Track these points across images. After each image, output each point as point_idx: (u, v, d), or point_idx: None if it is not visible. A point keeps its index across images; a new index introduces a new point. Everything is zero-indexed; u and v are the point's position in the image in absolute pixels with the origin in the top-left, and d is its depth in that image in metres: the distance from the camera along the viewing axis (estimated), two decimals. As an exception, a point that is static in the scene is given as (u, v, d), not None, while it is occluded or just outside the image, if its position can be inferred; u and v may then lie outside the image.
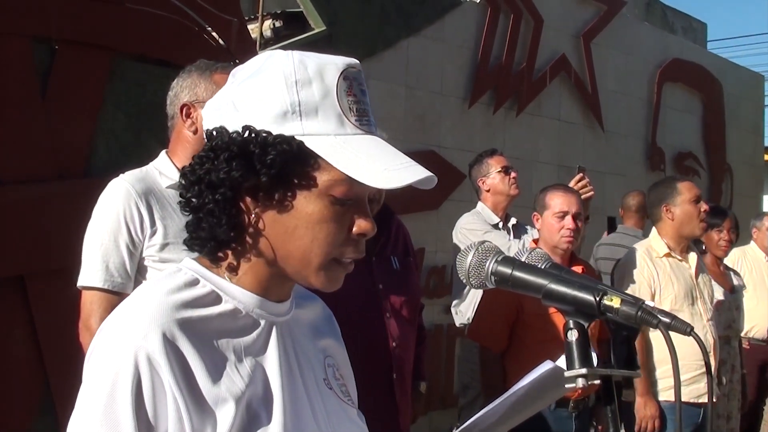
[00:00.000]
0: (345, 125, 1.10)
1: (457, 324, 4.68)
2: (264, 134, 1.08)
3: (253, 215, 1.12)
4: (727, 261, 5.34)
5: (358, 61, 1.15)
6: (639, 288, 3.92)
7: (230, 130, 1.10)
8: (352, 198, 1.12)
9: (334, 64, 1.12)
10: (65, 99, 4.02)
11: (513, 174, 4.64)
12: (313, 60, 1.12)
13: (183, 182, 1.13)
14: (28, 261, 3.83)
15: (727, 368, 4.67)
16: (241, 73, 1.15)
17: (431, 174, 1.10)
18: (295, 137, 1.09)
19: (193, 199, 1.12)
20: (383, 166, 1.09)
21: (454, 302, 4.65)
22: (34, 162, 3.90)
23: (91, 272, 2.32)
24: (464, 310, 4.58)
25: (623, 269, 4.10)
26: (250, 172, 1.09)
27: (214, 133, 1.12)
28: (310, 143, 1.09)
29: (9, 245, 3.77)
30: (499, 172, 4.62)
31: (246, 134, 1.09)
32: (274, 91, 1.10)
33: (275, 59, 1.13)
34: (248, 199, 1.12)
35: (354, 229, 1.13)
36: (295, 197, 1.11)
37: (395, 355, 2.86)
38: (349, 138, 1.10)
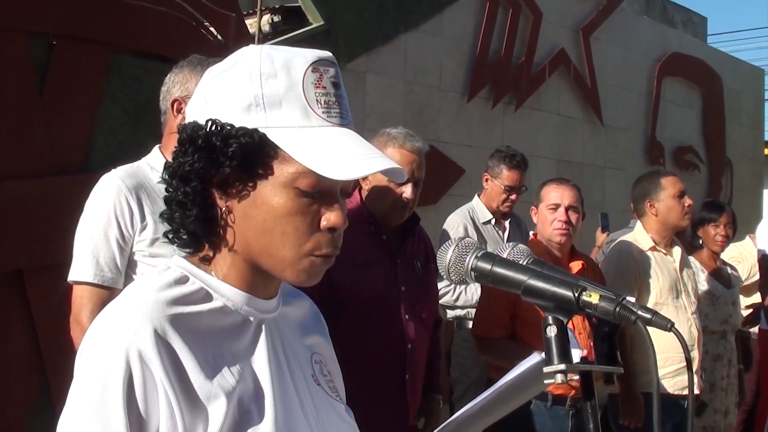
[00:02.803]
0: (310, 117, 1.09)
1: (448, 316, 4.65)
2: (228, 127, 1.09)
3: (224, 208, 1.13)
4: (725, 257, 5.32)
5: (330, 54, 1.13)
6: (625, 281, 3.91)
7: (200, 124, 1.11)
8: (318, 191, 1.10)
9: (303, 56, 1.11)
10: (63, 94, 4.02)
11: (513, 197, 4.53)
12: (281, 53, 1.11)
13: (165, 177, 1.15)
14: (26, 256, 3.84)
15: (724, 363, 4.66)
16: (216, 69, 1.16)
17: (395, 165, 1.09)
18: (258, 129, 1.08)
19: (169, 192, 1.14)
20: (343, 157, 1.07)
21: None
22: (32, 157, 3.90)
23: (82, 267, 2.34)
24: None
25: (609, 263, 4.12)
26: (214, 164, 1.09)
27: (185, 127, 1.13)
28: (273, 135, 1.09)
29: (7, 240, 3.77)
30: (503, 186, 4.51)
31: (210, 127, 1.10)
32: (239, 84, 1.10)
33: (245, 54, 1.13)
34: (218, 192, 1.12)
35: (323, 223, 1.11)
36: (260, 189, 1.10)
37: (410, 358, 2.89)
38: (314, 130, 1.09)
